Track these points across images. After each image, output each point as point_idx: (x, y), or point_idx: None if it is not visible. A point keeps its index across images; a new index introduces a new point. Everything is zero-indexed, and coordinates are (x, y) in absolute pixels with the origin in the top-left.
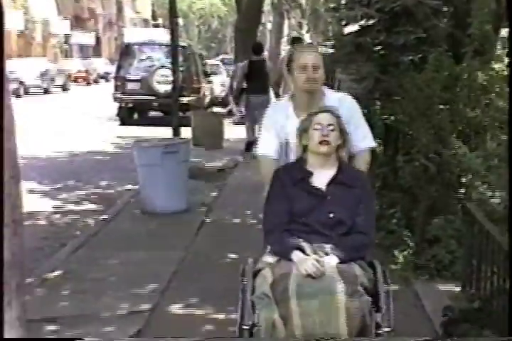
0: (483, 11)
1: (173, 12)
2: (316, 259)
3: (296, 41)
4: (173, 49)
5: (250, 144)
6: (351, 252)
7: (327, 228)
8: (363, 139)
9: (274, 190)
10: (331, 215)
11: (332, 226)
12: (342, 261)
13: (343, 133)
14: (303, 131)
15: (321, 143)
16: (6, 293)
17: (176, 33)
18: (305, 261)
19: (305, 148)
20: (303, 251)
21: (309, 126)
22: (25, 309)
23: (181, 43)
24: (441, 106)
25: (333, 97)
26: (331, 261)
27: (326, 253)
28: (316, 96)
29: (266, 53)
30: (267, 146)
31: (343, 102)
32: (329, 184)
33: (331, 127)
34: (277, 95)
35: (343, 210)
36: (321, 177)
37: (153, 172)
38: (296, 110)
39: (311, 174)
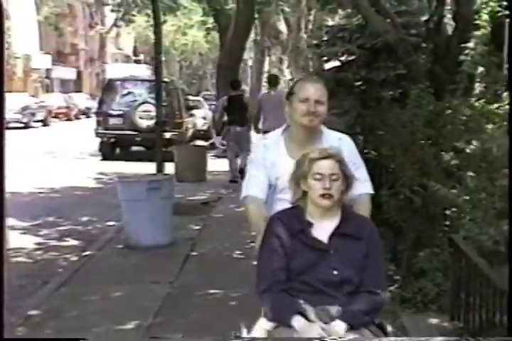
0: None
1: (158, 48)
2: (322, 327)
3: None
4: (157, 84)
5: (235, 176)
6: (361, 316)
7: (331, 287)
8: (363, 182)
9: (268, 243)
10: (336, 272)
11: (337, 285)
12: (351, 328)
13: (347, 178)
14: (301, 177)
15: (323, 196)
16: None
17: (160, 69)
18: (308, 328)
19: (304, 195)
20: (305, 315)
21: (308, 173)
22: None
23: (164, 79)
24: (424, 142)
25: (333, 137)
26: (339, 328)
27: (332, 318)
28: (314, 133)
29: (247, 88)
30: (255, 187)
31: (343, 143)
32: (332, 236)
33: (334, 176)
34: (256, 128)
35: (348, 266)
36: (323, 229)
37: (138, 207)
38: (290, 146)
39: (310, 225)
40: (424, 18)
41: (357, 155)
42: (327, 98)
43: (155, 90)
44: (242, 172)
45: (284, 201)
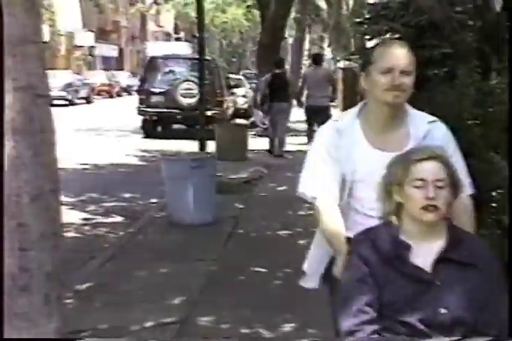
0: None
1: (200, 26)
2: None
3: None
4: (200, 63)
5: (272, 143)
6: None
7: (438, 330)
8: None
9: (354, 270)
10: (444, 311)
11: (446, 328)
12: None
13: (454, 184)
14: (395, 183)
15: (425, 208)
16: (47, 305)
17: (202, 47)
18: None
19: (398, 207)
20: None
21: (405, 178)
22: (65, 321)
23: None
24: (471, 122)
25: (422, 119)
26: None
27: None
28: (398, 114)
29: (287, 66)
30: (326, 187)
31: (435, 129)
32: (436, 262)
33: (440, 183)
34: (299, 102)
35: (460, 303)
36: (424, 252)
37: (181, 185)
38: (368, 130)
39: (408, 247)
40: None
41: (454, 145)
42: (414, 67)
43: (197, 68)
44: (281, 145)
45: (362, 203)
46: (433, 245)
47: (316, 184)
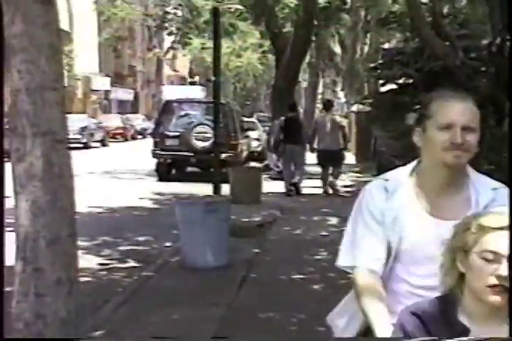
0: None
1: (216, 71)
2: None
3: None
4: (215, 106)
5: (291, 185)
6: None
7: None
8: None
9: None
10: None
11: None
12: None
13: None
14: (461, 249)
15: (493, 287)
16: None
17: (218, 91)
18: None
19: (460, 279)
20: None
21: (473, 246)
22: None
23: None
24: (488, 167)
25: (485, 184)
26: None
27: None
28: (458, 177)
29: (300, 109)
30: (367, 255)
31: (499, 196)
32: None
33: None
34: (311, 147)
35: None
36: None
37: (195, 228)
38: (422, 193)
39: (466, 332)
40: (485, 41)
41: None
42: (479, 123)
43: (213, 112)
44: (295, 186)
45: (406, 278)
46: (496, 330)
47: (355, 251)
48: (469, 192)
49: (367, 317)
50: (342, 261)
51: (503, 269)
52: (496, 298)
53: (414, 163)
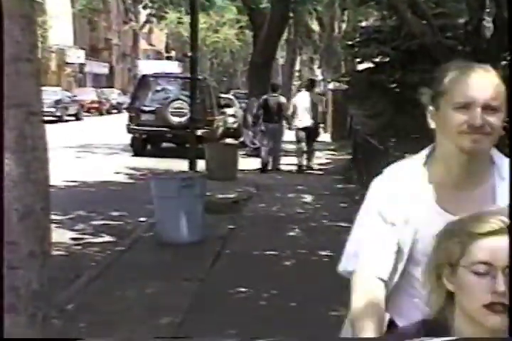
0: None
1: (194, 46)
2: None
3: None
4: (192, 82)
5: (265, 165)
6: None
7: None
8: None
9: None
10: None
11: None
12: None
13: None
14: (446, 264)
15: (489, 307)
16: (33, 325)
17: (195, 67)
18: None
19: (448, 298)
20: None
21: (461, 257)
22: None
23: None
24: None
25: None
26: None
27: None
28: (479, 163)
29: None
30: (373, 259)
31: None
32: None
33: None
34: (289, 123)
35: None
36: None
37: (170, 204)
38: (438, 186)
39: None
40: (462, 20)
41: None
42: (504, 101)
43: (190, 87)
44: (274, 162)
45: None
46: None
47: (359, 254)
48: (494, 182)
49: (353, 330)
50: (344, 265)
51: (500, 283)
52: (495, 320)
53: (427, 150)
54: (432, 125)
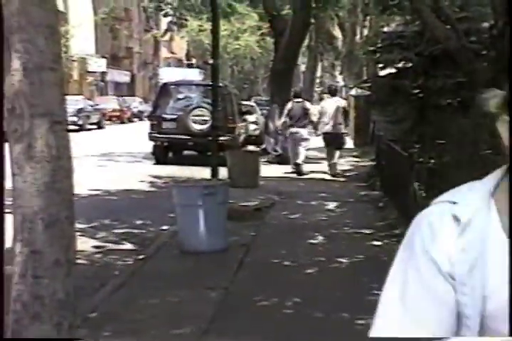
0: None
1: (215, 53)
2: None
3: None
4: (214, 89)
5: (297, 165)
6: None
7: None
8: None
9: None
10: None
11: None
12: None
13: None
14: None
15: None
16: (58, 334)
17: (216, 74)
18: None
19: None
20: None
21: None
22: None
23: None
24: (489, 152)
25: None
26: None
27: None
28: None
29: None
30: (424, 328)
31: None
32: None
33: None
34: (316, 131)
35: None
36: None
37: (193, 212)
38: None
39: None
40: (486, 24)
41: None
42: None
43: (211, 95)
44: (297, 167)
45: None
46: None
47: (405, 323)
48: None
49: None
50: (379, 330)
51: None
52: None
53: (497, 174)
54: (506, 141)
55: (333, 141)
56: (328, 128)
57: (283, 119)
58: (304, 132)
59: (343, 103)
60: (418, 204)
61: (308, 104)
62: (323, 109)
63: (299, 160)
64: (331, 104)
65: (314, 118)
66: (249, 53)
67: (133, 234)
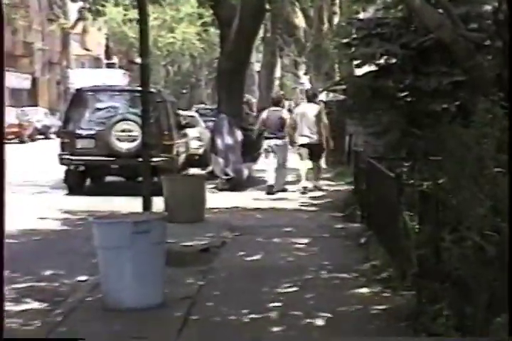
0: None
1: (144, 50)
2: None
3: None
4: (143, 97)
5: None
6: None
7: None
8: None
9: None
10: None
11: None
12: None
13: None
14: None
15: None
16: None
17: (146, 77)
18: None
19: None
20: None
21: None
22: None
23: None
24: (497, 171)
25: None
26: None
27: None
28: None
29: (253, 100)
30: None
31: None
32: None
33: None
34: (292, 142)
35: None
36: None
37: (120, 257)
38: None
39: None
40: (489, 7)
41: None
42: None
43: (140, 103)
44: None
45: None
46: None
47: None
48: None
49: None
50: None
51: None
52: None
53: None
54: None
55: (313, 153)
56: (304, 139)
57: (256, 128)
58: (281, 144)
59: (315, 109)
60: (410, 239)
61: (285, 113)
62: (297, 116)
63: (277, 183)
64: (309, 111)
65: (287, 129)
66: (187, 49)
67: (40, 289)
